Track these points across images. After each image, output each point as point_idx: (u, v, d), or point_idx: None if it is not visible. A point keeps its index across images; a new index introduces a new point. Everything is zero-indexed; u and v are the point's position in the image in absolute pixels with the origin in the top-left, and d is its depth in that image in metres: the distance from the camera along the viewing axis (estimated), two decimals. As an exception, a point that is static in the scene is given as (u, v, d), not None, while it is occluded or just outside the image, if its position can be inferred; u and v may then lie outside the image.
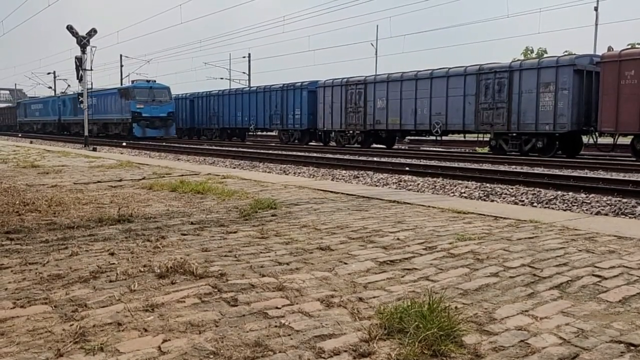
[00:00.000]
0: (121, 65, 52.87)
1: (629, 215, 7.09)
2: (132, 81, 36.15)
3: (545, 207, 7.77)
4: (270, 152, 19.31)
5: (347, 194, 6.19)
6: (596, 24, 32.60)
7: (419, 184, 10.28)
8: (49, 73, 64.66)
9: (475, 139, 22.51)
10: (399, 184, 10.36)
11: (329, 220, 4.50)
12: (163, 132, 33.26)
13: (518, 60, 20.66)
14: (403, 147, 25.72)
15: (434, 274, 2.89)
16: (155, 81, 34.67)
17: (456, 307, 2.34)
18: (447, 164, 14.18)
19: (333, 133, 25.78)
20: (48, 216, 4.65)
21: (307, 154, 18.39)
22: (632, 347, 1.96)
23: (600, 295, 2.55)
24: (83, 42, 21.60)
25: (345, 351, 1.93)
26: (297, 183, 7.48)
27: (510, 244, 3.59)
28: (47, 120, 46.97)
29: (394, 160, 15.30)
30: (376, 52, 48.10)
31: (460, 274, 2.90)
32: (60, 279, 2.77)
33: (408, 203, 5.52)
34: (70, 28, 21.52)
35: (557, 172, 11.93)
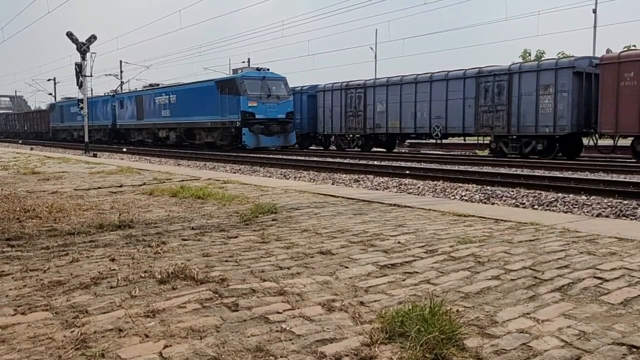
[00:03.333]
0: (121, 71, 52.87)
1: (630, 217, 7.08)
2: (235, 70, 25.96)
3: (546, 210, 7.77)
4: (271, 156, 19.32)
5: (348, 198, 6.18)
6: (595, 26, 32.66)
7: (419, 187, 10.27)
8: (49, 80, 64.73)
9: (476, 141, 22.52)
10: (400, 188, 10.35)
11: (329, 224, 4.49)
12: (281, 140, 23.86)
13: (517, 63, 20.68)
14: (403, 151, 25.73)
15: (435, 277, 2.89)
16: (268, 69, 24.72)
17: (457, 311, 2.34)
18: (448, 167, 14.18)
19: (333, 137, 25.80)
20: (49, 222, 4.65)
21: (307, 158, 18.39)
22: (634, 349, 1.96)
23: (602, 297, 2.55)
24: (83, 48, 21.69)
25: (347, 355, 1.93)
26: (297, 187, 7.48)
27: (512, 247, 3.58)
28: (95, 125, 36.72)
29: (394, 163, 15.30)
30: (375, 55, 48.17)
31: (461, 277, 2.89)
32: (61, 285, 2.77)
33: (409, 206, 5.52)
34: (70, 35, 21.60)
35: (557, 174, 11.93)
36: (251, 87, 23.30)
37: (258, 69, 24.72)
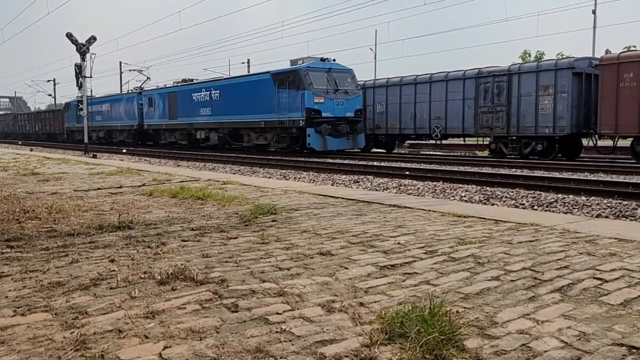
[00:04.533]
0: (120, 72, 52.95)
1: (630, 218, 7.08)
2: (294, 61, 21.41)
3: (546, 210, 7.77)
4: (270, 157, 19.32)
5: (348, 199, 6.18)
6: (594, 27, 32.69)
7: (419, 188, 10.27)
8: (48, 81, 64.80)
9: (475, 142, 22.52)
10: (399, 188, 10.35)
11: (329, 225, 4.49)
12: (350, 142, 20.53)
13: (517, 63, 20.69)
14: (403, 151, 25.72)
15: (435, 278, 2.89)
16: (334, 60, 21.12)
17: (457, 311, 2.34)
18: (447, 167, 14.19)
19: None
20: (48, 223, 4.64)
21: (307, 159, 18.39)
22: (634, 350, 1.96)
23: (602, 298, 2.55)
24: (83, 49, 21.69)
25: (347, 356, 1.93)
26: (297, 188, 7.48)
27: (511, 248, 3.58)
28: (117, 126, 33.62)
29: (394, 164, 15.30)
30: (375, 56, 48.26)
31: (461, 277, 2.89)
32: (60, 286, 2.77)
33: (408, 207, 5.52)
34: (69, 36, 21.60)
35: (557, 175, 11.93)
36: (317, 80, 19.75)
37: (322, 59, 20.80)
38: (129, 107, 32.24)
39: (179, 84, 28.71)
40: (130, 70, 40.10)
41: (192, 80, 29.30)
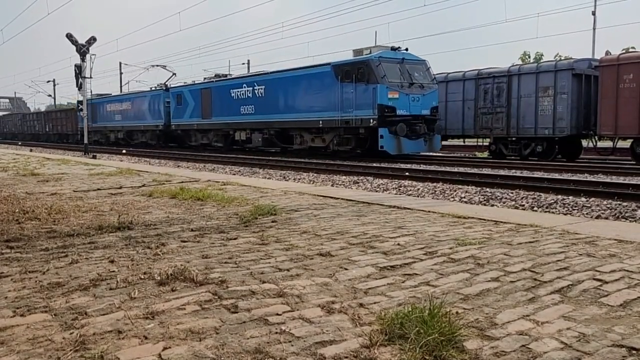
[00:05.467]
0: (120, 73, 52.95)
1: (629, 219, 7.08)
2: (359, 51, 18.43)
3: (546, 211, 7.77)
4: (270, 158, 19.32)
5: (347, 200, 6.18)
6: (594, 28, 32.71)
7: (419, 189, 10.27)
8: (48, 81, 64.73)
9: (475, 143, 22.52)
10: (399, 189, 10.35)
11: (329, 226, 4.49)
12: (427, 144, 17.83)
13: (516, 64, 20.69)
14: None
15: (435, 279, 2.89)
16: (406, 49, 18.36)
17: (457, 312, 2.33)
18: (447, 168, 14.18)
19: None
20: (48, 224, 4.64)
21: (307, 160, 18.39)
22: (633, 351, 1.96)
23: (602, 299, 2.55)
24: (83, 50, 21.68)
25: (347, 357, 1.93)
26: (297, 189, 7.48)
27: (511, 249, 3.58)
28: (140, 126, 30.43)
29: (393, 165, 15.29)
30: (375, 57, 47.95)
31: (460, 279, 2.89)
32: (60, 287, 2.77)
33: (408, 208, 5.52)
34: (69, 36, 21.61)
35: (557, 176, 11.93)
36: (390, 73, 16.93)
37: (393, 48, 18.00)
38: (153, 106, 29.04)
39: (216, 80, 25.80)
40: (153, 66, 34.99)
41: (225, 75, 27.04)
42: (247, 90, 22.27)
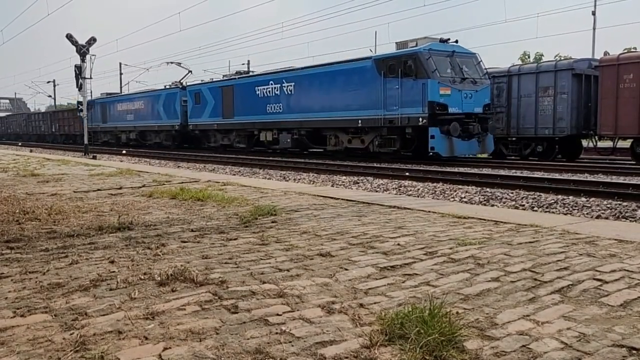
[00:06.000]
0: (120, 74, 52.95)
1: (630, 219, 7.08)
2: (402, 44, 17.07)
3: (546, 211, 7.77)
4: (270, 158, 19.31)
5: (347, 200, 6.18)
6: (594, 28, 32.70)
7: (419, 189, 10.27)
8: (48, 82, 64.70)
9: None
10: (399, 190, 10.35)
11: (329, 226, 4.49)
12: (480, 146, 16.33)
13: (516, 65, 20.68)
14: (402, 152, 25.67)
15: (435, 279, 2.89)
16: (456, 41, 16.97)
17: (457, 312, 2.33)
18: (447, 169, 14.18)
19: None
20: (48, 225, 4.64)
21: (307, 160, 18.39)
22: (634, 351, 1.96)
23: (602, 299, 2.55)
24: (83, 50, 21.68)
25: (347, 358, 1.92)
26: (297, 189, 7.48)
27: (511, 249, 3.58)
28: (154, 126, 28.94)
29: (393, 165, 15.29)
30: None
31: (461, 279, 2.89)
32: (60, 287, 2.77)
33: (408, 208, 5.52)
34: (69, 37, 21.61)
35: (557, 176, 11.93)
36: (441, 67, 15.53)
37: (442, 40, 16.55)
38: (168, 105, 27.63)
39: (239, 77, 24.27)
40: (168, 63, 34.49)
41: (247, 72, 25.24)
42: (275, 88, 20.73)
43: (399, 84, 15.87)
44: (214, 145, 25.28)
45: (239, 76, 24.31)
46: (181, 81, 28.75)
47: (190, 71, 30.36)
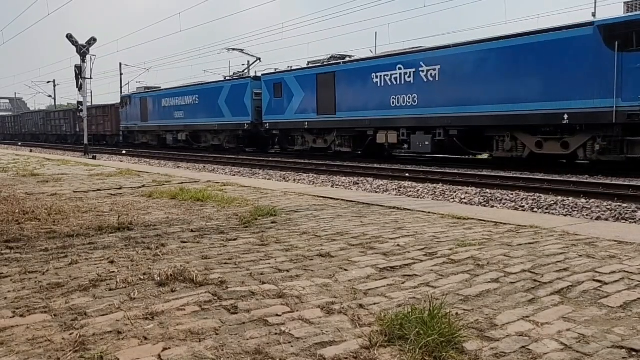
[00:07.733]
0: (120, 74, 52.94)
1: (629, 220, 7.09)
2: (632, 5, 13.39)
3: (546, 213, 7.77)
4: (270, 159, 19.31)
5: (347, 201, 6.18)
6: (594, 30, 32.70)
7: (419, 190, 10.27)
8: (48, 82, 64.66)
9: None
10: (399, 191, 10.35)
11: (329, 227, 4.49)
12: None
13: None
14: (402, 153, 25.69)
15: (435, 280, 2.88)
16: None
17: (457, 314, 2.33)
18: (447, 169, 14.18)
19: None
20: (48, 225, 4.64)
21: (307, 160, 18.38)
22: (633, 353, 1.96)
23: (601, 300, 2.54)
24: (83, 50, 21.70)
25: (346, 358, 1.92)
26: (297, 190, 7.48)
27: (511, 250, 3.58)
28: (213, 125, 24.41)
29: (393, 166, 15.30)
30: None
31: (460, 280, 2.89)
32: (60, 287, 2.77)
33: (408, 209, 5.52)
34: (70, 37, 21.62)
35: (557, 177, 11.94)
36: None
37: None
38: (235, 99, 22.90)
39: (338, 62, 19.09)
40: (228, 50, 27.33)
41: (344, 57, 19.59)
42: (405, 73, 16.14)
43: (602, 62, 11.72)
44: (301, 148, 20.78)
45: (343, 61, 19.08)
46: (247, 70, 23.99)
47: (259, 58, 26.29)
